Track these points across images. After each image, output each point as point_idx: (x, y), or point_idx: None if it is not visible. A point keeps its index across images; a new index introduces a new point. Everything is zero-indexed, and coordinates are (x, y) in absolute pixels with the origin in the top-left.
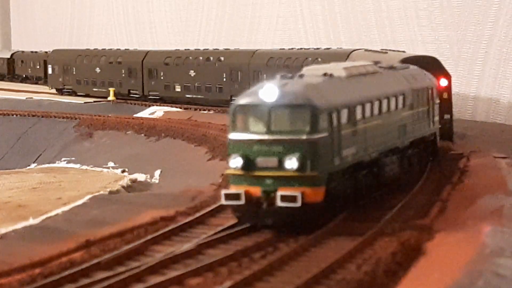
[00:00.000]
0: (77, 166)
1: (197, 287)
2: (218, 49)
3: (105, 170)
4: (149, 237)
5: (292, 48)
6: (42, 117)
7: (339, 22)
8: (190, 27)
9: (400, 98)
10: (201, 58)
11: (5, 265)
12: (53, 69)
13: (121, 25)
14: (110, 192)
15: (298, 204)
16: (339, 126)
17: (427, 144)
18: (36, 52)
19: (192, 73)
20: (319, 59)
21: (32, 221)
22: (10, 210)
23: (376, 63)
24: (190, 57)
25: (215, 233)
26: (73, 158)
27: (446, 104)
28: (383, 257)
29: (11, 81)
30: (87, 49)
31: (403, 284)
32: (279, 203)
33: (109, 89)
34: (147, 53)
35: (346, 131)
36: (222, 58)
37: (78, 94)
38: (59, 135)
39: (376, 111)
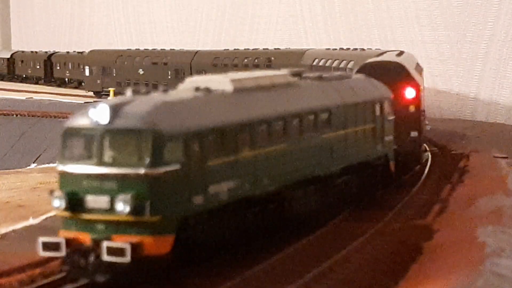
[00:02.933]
0: None
1: (198, 287)
2: (267, 48)
3: None
4: None
5: (336, 49)
6: (42, 117)
7: (339, 22)
8: (190, 27)
9: (324, 116)
10: (249, 59)
11: (5, 265)
12: (90, 71)
13: (121, 25)
14: None
15: (127, 258)
16: (203, 155)
17: (375, 169)
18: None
19: None
20: (353, 61)
21: (32, 221)
22: (10, 210)
23: (297, 73)
24: (239, 58)
25: None
26: None
27: (413, 119)
28: (383, 257)
29: (11, 81)
30: (128, 49)
31: (403, 284)
32: (105, 256)
33: (109, 89)
34: (195, 53)
35: (218, 161)
36: (272, 59)
37: None
38: (59, 135)
39: (278, 133)
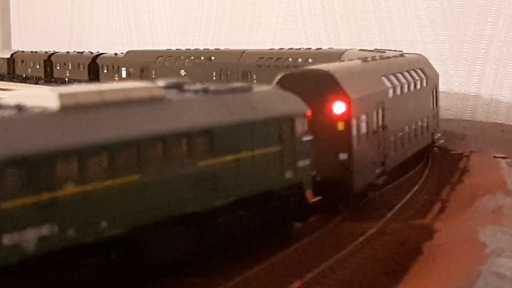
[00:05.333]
0: None
1: (198, 287)
2: (310, 48)
3: None
4: None
5: (370, 50)
6: None
7: (339, 22)
8: (190, 27)
9: (202, 138)
10: (290, 59)
11: None
12: (128, 73)
13: (121, 25)
14: None
15: None
16: None
17: (283, 201)
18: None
19: None
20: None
21: None
22: None
23: (175, 85)
24: (281, 58)
25: None
26: None
27: (342, 139)
28: (383, 257)
29: (11, 81)
30: (168, 49)
31: (403, 284)
32: None
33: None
34: (242, 53)
35: (20, 201)
36: (310, 60)
37: None
38: None
39: (127, 162)
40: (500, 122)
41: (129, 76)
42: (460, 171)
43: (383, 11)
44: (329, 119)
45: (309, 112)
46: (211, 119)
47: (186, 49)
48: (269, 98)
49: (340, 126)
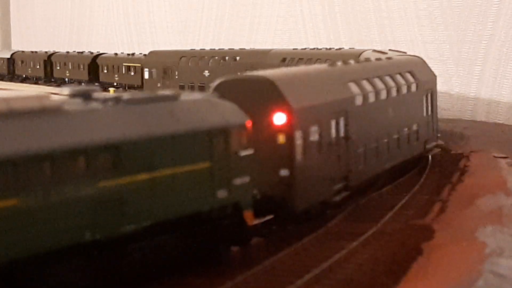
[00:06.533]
0: None
1: (198, 287)
2: (331, 48)
3: None
4: None
5: (383, 51)
6: None
7: (339, 22)
8: (190, 27)
9: (103, 155)
10: (311, 59)
11: None
12: (150, 74)
13: (121, 26)
14: None
15: None
16: None
17: (215, 224)
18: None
19: None
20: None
21: None
22: None
23: (81, 93)
24: (303, 59)
25: None
26: None
27: (283, 153)
28: (383, 257)
29: (11, 81)
30: (192, 49)
31: (403, 284)
32: None
33: (110, 89)
34: (268, 53)
35: None
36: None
37: None
38: None
39: (0, 184)
40: (500, 122)
41: (151, 76)
42: (460, 171)
43: (383, 11)
44: (269, 131)
45: (249, 123)
46: (119, 132)
47: (210, 49)
48: (198, 107)
49: (281, 139)
